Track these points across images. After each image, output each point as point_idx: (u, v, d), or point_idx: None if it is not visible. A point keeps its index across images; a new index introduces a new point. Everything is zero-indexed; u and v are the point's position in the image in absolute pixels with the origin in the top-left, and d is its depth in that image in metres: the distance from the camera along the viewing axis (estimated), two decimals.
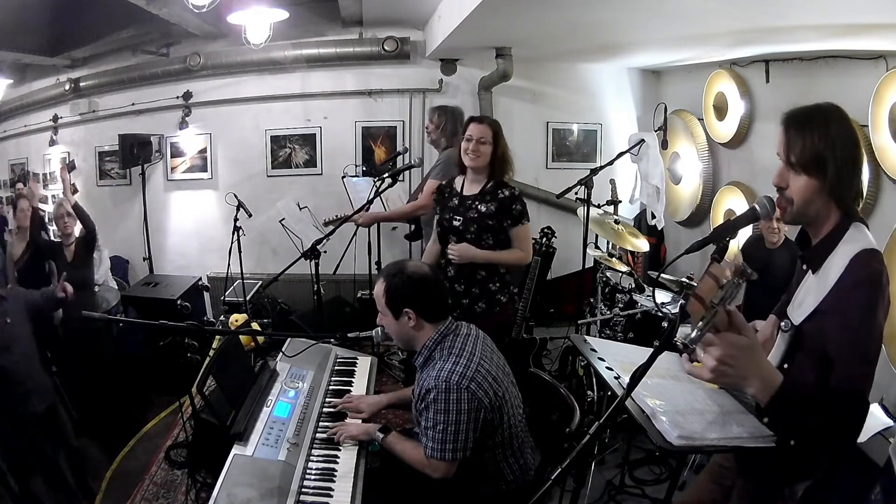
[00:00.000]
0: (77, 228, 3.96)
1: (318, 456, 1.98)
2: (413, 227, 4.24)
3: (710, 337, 1.17)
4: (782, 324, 1.45)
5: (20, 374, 2.94)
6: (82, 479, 3.24)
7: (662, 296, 3.58)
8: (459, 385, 1.82)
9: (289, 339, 2.56)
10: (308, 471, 1.89)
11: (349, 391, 2.40)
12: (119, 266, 5.49)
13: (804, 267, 1.48)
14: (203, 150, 5.53)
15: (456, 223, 2.80)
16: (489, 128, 2.77)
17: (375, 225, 4.37)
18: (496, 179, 2.79)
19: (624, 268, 3.72)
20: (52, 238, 4.41)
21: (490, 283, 2.78)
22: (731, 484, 1.66)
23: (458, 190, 2.87)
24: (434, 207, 3.05)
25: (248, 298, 4.45)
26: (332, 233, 3.43)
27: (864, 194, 1.87)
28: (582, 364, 3.43)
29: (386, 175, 3.65)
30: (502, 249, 2.79)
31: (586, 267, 3.66)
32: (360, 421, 2.17)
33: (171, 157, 5.56)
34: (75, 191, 5.74)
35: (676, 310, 2.91)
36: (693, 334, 1.16)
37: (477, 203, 2.76)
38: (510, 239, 2.79)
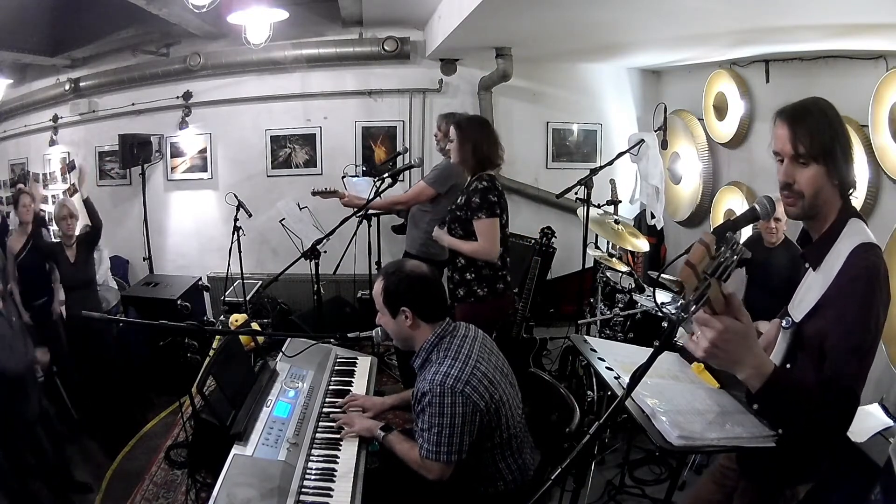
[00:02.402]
0: (78, 228, 3.97)
1: (318, 456, 1.98)
2: (403, 221, 4.25)
3: (707, 318, 1.17)
4: (783, 322, 1.45)
5: (20, 376, 2.94)
6: (72, 481, 3.25)
7: (662, 296, 3.57)
8: (454, 389, 1.82)
9: (289, 339, 2.56)
10: (308, 471, 1.89)
11: (349, 391, 2.39)
12: (119, 266, 5.49)
13: (806, 264, 1.48)
14: (203, 150, 5.53)
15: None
16: (451, 126, 2.96)
17: (375, 224, 4.38)
18: (476, 174, 2.90)
19: (624, 268, 3.72)
20: (52, 239, 4.41)
21: (466, 272, 2.89)
22: (734, 485, 1.65)
23: None
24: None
25: (248, 298, 4.45)
26: (331, 233, 3.43)
27: (859, 185, 1.86)
28: (582, 364, 3.43)
29: (386, 175, 3.65)
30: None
31: (586, 267, 3.66)
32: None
33: (171, 157, 5.55)
34: (75, 191, 5.75)
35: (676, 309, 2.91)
36: (688, 306, 1.14)
37: (462, 195, 2.92)
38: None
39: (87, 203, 4.04)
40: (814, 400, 1.24)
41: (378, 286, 2.01)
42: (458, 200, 2.91)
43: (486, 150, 2.88)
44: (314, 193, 3.85)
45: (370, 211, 3.90)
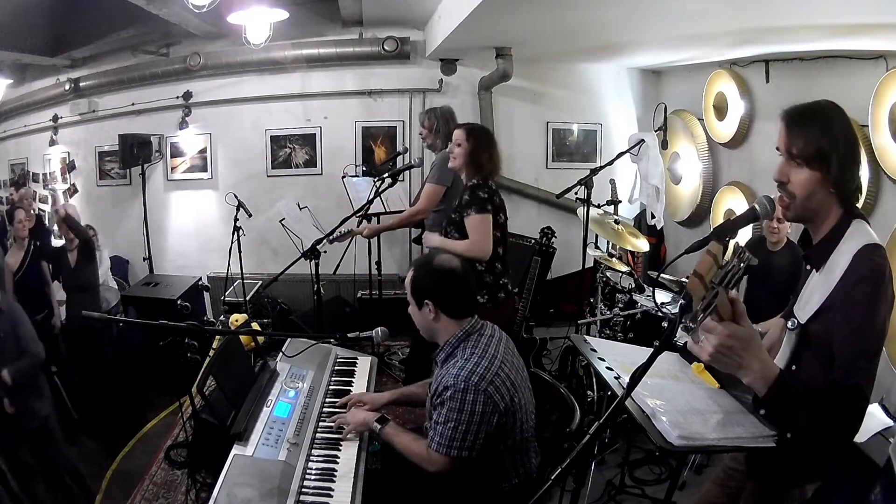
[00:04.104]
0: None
1: (318, 456, 1.98)
2: (421, 230, 4.23)
3: (713, 324, 1.17)
4: (788, 323, 1.45)
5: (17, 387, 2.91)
6: (78, 486, 3.23)
7: (662, 296, 3.58)
8: (478, 386, 1.82)
9: (289, 339, 2.56)
10: (308, 471, 1.89)
11: (349, 391, 2.39)
12: (119, 266, 5.49)
13: (808, 266, 1.47)
14: (203, 150, 5.53)
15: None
16: (462, 131, 2.85)
17: (375, 224, 4.37)
18: (472, 179, 2.84)
19: (624, 268, 3.72)
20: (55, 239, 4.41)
21: (486, 275, 2.82)
22: (738, 486, 1.65)
23: None
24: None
25: (248, 298, 4.45)
26: (331, 232, 3.43)
27: (864, 190, 1.86)
28: (582, 364, 3.43)
29: (386, 175, 3.65)
30: None
31: (586, 267, 3.66)
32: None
33: (171, 157, 5.56)
34: (75, 191, 5.76)
35: (676, 310, 2.91)
36: (696, 315, 1.15)
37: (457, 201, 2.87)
38: None
39: (68, 219, 3.87)
40: (821, 402, 1.24)
41: (409, 276, 2.04)
42: (454, 204, 2.88)
43: (496, 160, 2.88)
44: (331, 242, 3.67)
45: (370, 211, 3.89)
